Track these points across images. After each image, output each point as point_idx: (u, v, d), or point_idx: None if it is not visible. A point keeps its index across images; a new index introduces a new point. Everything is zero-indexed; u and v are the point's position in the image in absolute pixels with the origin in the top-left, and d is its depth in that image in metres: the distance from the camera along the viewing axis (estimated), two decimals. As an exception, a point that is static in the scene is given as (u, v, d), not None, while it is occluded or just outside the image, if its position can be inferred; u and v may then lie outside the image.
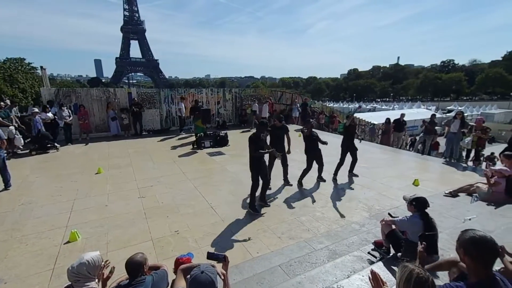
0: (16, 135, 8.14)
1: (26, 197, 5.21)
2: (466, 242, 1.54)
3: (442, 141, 10.60)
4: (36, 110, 8.86)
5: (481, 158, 8.20)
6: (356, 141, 6.22)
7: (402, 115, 11.46)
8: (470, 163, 8.09)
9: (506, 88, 60.56)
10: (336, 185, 5.94)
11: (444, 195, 5.23)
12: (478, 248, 1.49)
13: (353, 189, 5.71)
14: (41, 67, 11.73)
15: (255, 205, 4.63)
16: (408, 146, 13.26)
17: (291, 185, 5.82)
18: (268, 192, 5.44)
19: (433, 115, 9.75)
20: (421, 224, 2.71)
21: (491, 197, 4.72)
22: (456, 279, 1.98)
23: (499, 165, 5.36)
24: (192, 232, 3.94)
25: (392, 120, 11.57)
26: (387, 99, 78.99)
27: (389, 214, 3.34)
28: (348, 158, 6.22)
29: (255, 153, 4.44)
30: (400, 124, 11.12)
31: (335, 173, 6.13)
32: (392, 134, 11.45)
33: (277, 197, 5.24)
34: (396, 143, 11.27)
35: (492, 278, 1.48)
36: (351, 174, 6.39)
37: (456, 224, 3.92)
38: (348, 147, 6.13)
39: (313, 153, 5.68)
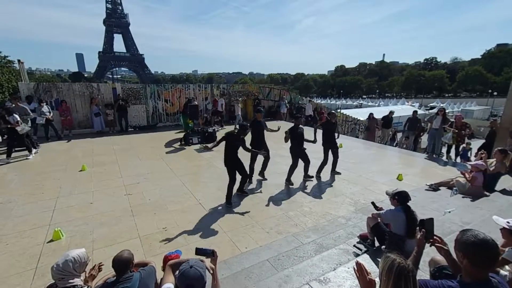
0: None
1: (4, 196, 4.99)
2: (466, 246, 1.47)
3: (424, 137, 10.98)
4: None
5: (468, 154, 8.59)
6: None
7: (391, 112, 11.45)
8: (456, 158, 8.43)
9: (485, 85, 63.16)
10: (322, 181, 6.03)
11: (425, 189, 5.44)
12: (479, 253, 1.43)
13: (339, 184, 5.83)
14: (19, 60, 11.17)
15: (231, 199, 4.73)
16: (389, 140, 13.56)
17: (266, 179, 5.92)
18: (258, 188, 5.52)
19: (415, 112, 10.09)
20: (404, 217, 2.82)
21: (470, 190, 4.95)
22: (437, 272, 2.06)
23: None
24: (180, 229, 3.92)
25: (381, 117, 11.58)
26: (373, 96, 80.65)
27: (372, 203, 3.44)
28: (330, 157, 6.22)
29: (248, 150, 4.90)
30: (388, 120, 11.22)
31: (318, 171, 6.14)
32: (380, 130, 11.58)
33: (265, 193, 5.28)
34: (383, 139, 11.42)
35: (487, 280, 1.46)
36: (333, 172, 6.35)
37: (437, 217, 4.06)
38: (328, 145, 6.10)
39: (298, 150, 5.61)
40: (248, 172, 5.03)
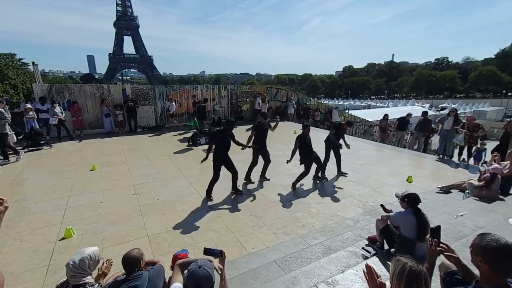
0: (8, 132, 7.99)
1: (19, 194, 5.14)
2: (486, 251, 1.42)
3: (435, 138, 10.72)
4: (29, 106, 8.71)
5: (483, 154, 8.37)
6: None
7: (409, 114, 10.69)
8: (468, 160, 8.22)
9: (499, 85, 61.42)
10: (329, 183, 5.99)
11: (436, 192, 5.33)
12: (501, 258, 1.38)
13: (347, 186, 5.76)
14: (33, 62, 11.50)
15: (211, 194, 4.98)
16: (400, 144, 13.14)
17: (269, 179, 5.91)
18: (265, 189, 5.51)
19: (425, 112, 9.81)
20: (414, 220, 2.76)
21: (482, 193, 4.82)
22: (447, 277, 2.01)
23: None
24: (188, 228, 3.95)
25: (396, 118, 11.03)
26: (382, 97, 79.55)
27: (381, 205, 3.40)
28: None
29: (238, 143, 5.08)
30: (404, 123, 10.56)
31: (322, 172, 6.09)
32: (395, 132, 11.13)
33: (272, 194, 5.27)
34: (398, 142, 10.79)
35: (506, 286, 1.41)
36: (340, 173, 6.31)
37: (448, 220, 4.00)
38: (331, 144, 6.11)
39: (308, 160, 5.51)
40: (237, 170, 5.12)
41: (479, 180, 4.98)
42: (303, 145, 5.40)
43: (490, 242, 1.43)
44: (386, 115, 11.46)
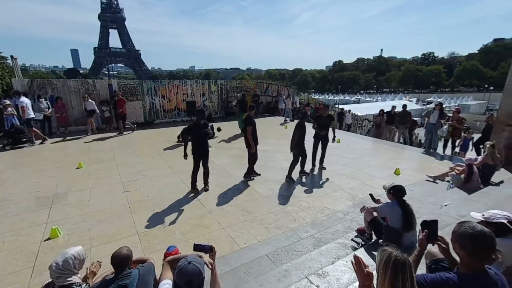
0: None
1: (0, 194, 4.95)
2: (463, 237, 1.50)
3: (422, 132, 10.97)
4: (8, 102, 8.36)
5: (470, 143, 8.71)
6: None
7: (393, 107, 10.87)
8: (453, 152, 8.49)
9: (481, 80, 63.40)
10: (320, 176, 6.06)
11: (426, 180, 5.55)
12: (476, 244, 1.46)
13: (337, 179, 5.84)
14: (12, 56, 11.01)
15: (196, 185, 5.09)
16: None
17: (260, 174, 5.89)
18: (256, 184, 5.51)
19: (404, 105, 10.19)
20: (399, 211, 2.84)
21: (465, 184, 5.01)
22: (433, 264, 2.08)
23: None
24: (179, 225, 3.92)
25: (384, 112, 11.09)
26: (371, 91, 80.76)
27: (370, 194, 3.47)
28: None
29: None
30: (391, 116, 10.69)
31: (313, 163, 6.20)
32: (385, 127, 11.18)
33: (263, 189, 5.29)
34: (388, 136, 10.90)
35: (484, 271, 1.48)
36: (320, 166, 6.42)
37: (433, 210, 4.13)
38: (318, 138, 6.19)
39: (302, 147, 5.58)
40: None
41: (458, 174, 5.19)
42: (302, 133, 5.44)
43: (467, 229, 1.51)
44: (381, 111, 11.34)
